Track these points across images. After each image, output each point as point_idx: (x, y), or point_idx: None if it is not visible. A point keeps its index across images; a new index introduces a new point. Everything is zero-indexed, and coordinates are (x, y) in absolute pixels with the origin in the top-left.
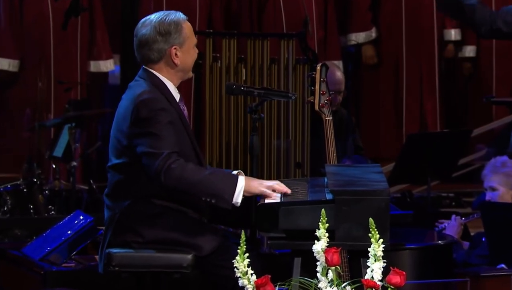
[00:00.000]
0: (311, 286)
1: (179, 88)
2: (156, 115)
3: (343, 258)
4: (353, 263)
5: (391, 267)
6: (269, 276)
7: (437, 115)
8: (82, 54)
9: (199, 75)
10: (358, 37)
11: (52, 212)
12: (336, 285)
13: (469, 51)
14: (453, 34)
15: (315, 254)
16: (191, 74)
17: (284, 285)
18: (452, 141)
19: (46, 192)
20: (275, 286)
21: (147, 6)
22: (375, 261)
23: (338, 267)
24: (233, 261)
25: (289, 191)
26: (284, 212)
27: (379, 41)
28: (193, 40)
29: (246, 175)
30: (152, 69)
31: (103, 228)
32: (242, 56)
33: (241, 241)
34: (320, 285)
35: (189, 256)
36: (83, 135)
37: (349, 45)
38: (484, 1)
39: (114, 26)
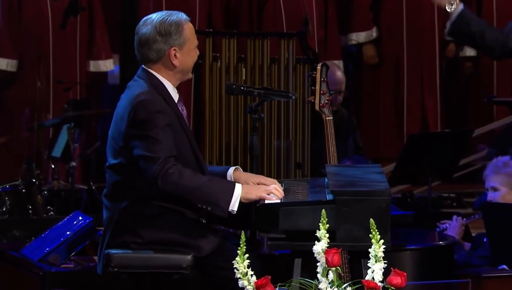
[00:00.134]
0: (312, 287)
1: (178, 88)
2: (153, 118)
3: (343, 259)
4: (353, 264)
5: (392, 268)
6: (269, 277)
7: (438, 115)
8: (81, 54)
9: (199, 75)
10: (358, 37)
11: (51, 212)
12: (337, 286)
13: (470, 50)
14: None
15: (315, 255)
16: (190, 76)
17: (284, 286)
18: (453, 142)
19: (45, 192)
20: (275, 287)
21: (146, 5)
22: (375, 261)
23: (339, 268)
24: (233, 261)
25: (282, 194)
26: (284, 212)
27: (379, 40)
28: (194, 42)
29: None
30: (150, 69)
31: (102, 228)
32: (242, 55)
33: (241, 242)
34: (320, 286)
35: (189, 257)
36: (82, 135)
37: (350, 45)
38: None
39: (114, 26)
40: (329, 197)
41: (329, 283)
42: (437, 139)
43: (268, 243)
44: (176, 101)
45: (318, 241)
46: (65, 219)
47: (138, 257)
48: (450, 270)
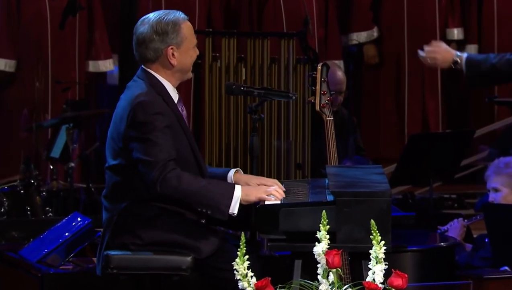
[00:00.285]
0: (312, 289)
1: (178, 88)
2: (152, 120)
3: (344, 260)
4: (354, 265)
5: (392, 269)
6: (269, 278)
7: (440, 116)
8: (80, 54)
9: (198, 75)
10: (359, 37)
11: (50, 213)
12: (337, 288)
13: (470, 50)
14: (456, 33)
15: (316, 256)
16: (190, 75)
17: (284, 287)
18: (454, 142)
19: (44, 193)
20: (276, 288)
21: (145, 5)
22: (376, 263)
23: (339, 269)
24: (232, 263)
25: (283, 196)
26: (285, 213)
27: (380, 40)
28: (192, 41)
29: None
30: (149, 69)
31: (101, 230)
32: (242, 55)
33: (241, 243)
34: (321, 287)
35: (188, 258)
36: (81, 136)
37: (351, 45)
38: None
39: (113, 26)
40: (329, 198)
41: (330, 285)
42: (438, 140)
43: (268, 244)
44: (176, 102)
45: (319, 242)
46: (64, 220)
47: (137, 258)
48: (451, 272)
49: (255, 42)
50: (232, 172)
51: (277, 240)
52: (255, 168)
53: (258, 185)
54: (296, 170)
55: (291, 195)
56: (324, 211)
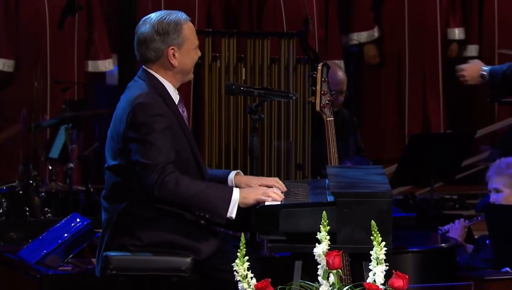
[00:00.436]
0: None
1: (178, 89)
2: (152, 122)
3: (344, 261)
4: (355, 267)
5: (393, 271)
6: (269, 279)
7: (441, 116)
8: (79, 54)
9: (198, 75)
10: (360, 37)
11: (49, 214)
12: (338, 289)
13: (471, 50)
14: (457, 33)
15: (316, 257)
16: (191, 77)
17: (284, 288)
18: (455, 143)
19: (42, 194)
20: (275, 289)
21: (145, 5)
22: (377, 264)
23: (340, 270)
24: (232, 264)
25: (282, 197)
26: (285, 214)
27: (381, 40)
28: (194, 42)
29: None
30: (150, 69)
31: (100, 230)
32: (242, 55)
33: (240, 244)
34: (321, 289)
35: (188, 259)
36: (80, 136)
37: (351, 45)
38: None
39: (113, 26)
40: (330, 198)
41: (330, 286)
42: (439, 140)
43: (268, 245)
44: (176, 103)
45: (319, 243)
46: (63, 221)
47: (137, 259)
48: (452, 273)
49: (255, 42)
50: (232, 174)
51: (277, 241)
52: (255, 168)
53: (259, 185)
54: (296, 171)
55: (291, 195)
56: (324, 211)
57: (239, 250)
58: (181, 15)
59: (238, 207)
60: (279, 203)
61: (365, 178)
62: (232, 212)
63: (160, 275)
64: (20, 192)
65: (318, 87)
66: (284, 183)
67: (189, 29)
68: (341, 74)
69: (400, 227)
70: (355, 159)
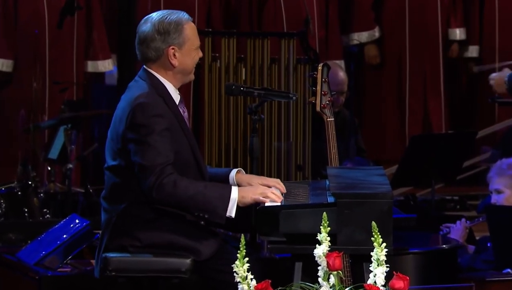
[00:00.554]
0: None
1: (178, 89)
2: (151, 122)
3: (345, 262)
4: (355, 268)
5: (394, 272)
6: (270, 281)
7: (442, 117)
8: (78, 54)
9: (198, 76)
10: (360, 37)
11: (47, 215)
12: None
13: (473, 51)
14: (458, 33)
15: (316, 259)
16: (192, 77)
17: None
18: (456, 143)
19: (41, 195)
20: None
21: (144, 5)
22: (378, 265)
23: (340, 271)
24: (232, 265)
25: (281, 198)
26: (285, 215)
27: (382, 40)
28: (195, 42)
29: None
30: (151, 69)
31: (100, 232)
32: (242, 55)
33: (240, 245)
34: None
35: (188, 261)
36: (79, 137)
37: (351, 45)
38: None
39: (112, 26)
40: (330, 199)
41: (331, 287)
42: (440, 141)
43: (268, 246)
44: (177, 103)
45: (319, 244)
46: (62, 222)
47: (136, 260)
48: (453, 274)
49: (255, 42)
50: (233, 172)
51: (277, 242)
52: (255, 169)
53: (260, 185)
54: (296, 171)
55: (291, 196)
56: (324, 212)
57: (239, 251)
58: (183, 15)
59: (238, 208)
60: (279, 203)
61: (365, 179)
62: (232, 211)
63: (159, 277)
64: (19, 192)
65: (319, 87)
66: (284, 184)
67: (190, 29)
68: (342, 74)
69: (401, 228)
70: (356, 159)
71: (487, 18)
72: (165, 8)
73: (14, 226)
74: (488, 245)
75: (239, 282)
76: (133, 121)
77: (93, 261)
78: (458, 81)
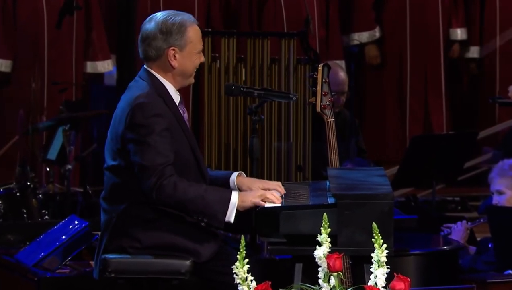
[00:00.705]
0: None
1: (178, 90)
2: (151, 123)
3: (345, 264)
4: (356, 269)
5: (395, 273)
6: (270, 282)
7: (443, 117)
8: (77, 54)
9: (197, 76)
10: (361, 37)
11: (46, 216)
12: None
13: (474, 51)
14: (459, 33)
15: (316, 260)
16: (191, 81)
17: None
18: (457, 144)
19: (40, 196)
20: None
21: (144, 5)
22: (378, 267)
23: (341, 273)
24: (232, 266)
25: (280, 200)
26: (285, 216)
27: (382, 40)
28: (197, 46)
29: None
30: (151, 68)
31: (99, 233)
32: (242, 56)
33: (240, 246)
34: None
35: (188, 262)
36: (78, 137)
37: (352, 45)
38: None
39: (111, 26)
40: (330, 200)
41: (331, 289)
42: (441, 142)
43: (268, 247)
44: (177, 104)
45: (320, 245)
46: (61, 223)
47: (135, 262)
48: (454, 276)
49: (255, 42)
50: (234, 175)
51: (278, 243)
52: (255, 170)
53: (261, 189)
54: (296, 172)
55: (292, 197)
56: (325, 213)
57: (239, 253)
58: (188, 17)
59: (237, 211)
60: (279, 205)
61: (366, 180)
62: (231, 217)
63: (159, 278)
64: (18, 193)
65: (319, 88)
66: (284, 185)
67: (193, 32)
68: (342, 74)
69: (401, 229)
70: (356, 160)
71: (488, 17)
72: (164, 8)
73: (13, 227)
74: (490, 244)
75: (239, 283)
76: (132, 121)
77: (92, 262)
78: (459, 81)
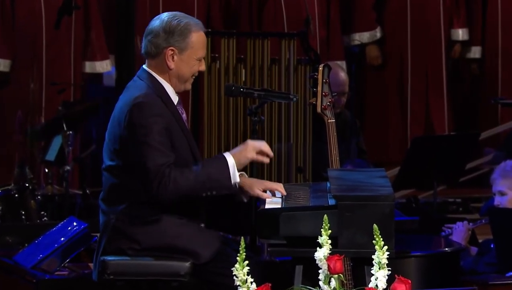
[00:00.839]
0: None
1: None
2: (150, 122)
3: (346, 265)
4: (356, 271)
5: (396, 275)
6: (270, 284)
7: (445, 118)
8: (76, 55)
9: (197, 77)
10: (362, 37)
11: (45, 218)
12: None
13: (475, 52)
14: (461, 34)
15: (317, 262)
16: (188, 87)
17: None
18: (459, 145)
19: (39, 197)
20: None
21: (143, 5)
22: (379, 269)
23: (341, 275)
24: (232, 268)
25: (271, 153)
26: (285, 218)
27: (383, 41)
28: (198, 53)
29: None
30: (150, 67)
31: (98, 234)
32: (242, 56)
33: (240, 248)
34: None
35: (187, 264)
36: (77, 138)
37: (353, 45)
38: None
39: (110, 26)
40: (331, 202)
41: None
42: (443, 143)
43: (269, 249)
44: (175, 104)
45: (320, 247)
46: (59, 225)
47: (135, 263)
48: (455, 277)
49: (255, 42)
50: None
51: (278, 245)
52: (255, 171)
53: (262, 189)
54: (297, 173)
55: (292, 198)
56: (325, 215)
57: (239, 254)
58: (195, 23)
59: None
60: (280, 206)
61: (367, 181)
62: (235, 177)
63: (158, 280)
64: (16, 195)
65: (319, 88)
66: (284, 186)
67: (197, 38)
68: (343, 75)
69: (402, 231)
70: (356, 161)
71: (489, 18)
72: (164, 8)
73: (11, 228)
74: (491, 246)
75: (239, 285)
76: (131, 121)
77: (91, 264)
78: (461, 82)
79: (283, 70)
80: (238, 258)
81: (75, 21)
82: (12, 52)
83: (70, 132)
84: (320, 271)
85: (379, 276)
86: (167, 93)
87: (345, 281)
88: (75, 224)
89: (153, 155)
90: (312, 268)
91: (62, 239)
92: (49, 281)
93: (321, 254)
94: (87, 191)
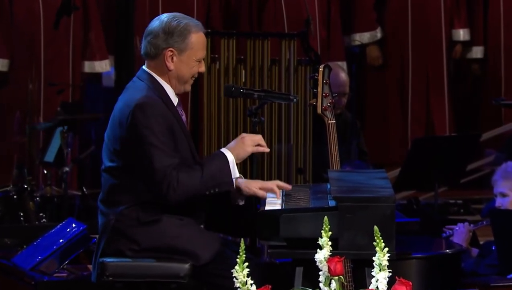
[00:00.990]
0: None
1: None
2: (152, 123)
3: (346, 267)
4: (357, 273)
5: (396, 277)
6: (270, 286)
7: (446, 119)
8: (75, 55)
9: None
10: (362, 38)
11: (43, 219)
12: None
13: (477, 52)
14: (462, 34)
15: (317, 264)
16: (187, 88)
17: None
18: (460, 146)
19: (37, 198)
20: None
21: (142, 5)
22: (380, 270)
23: (342, 277)
24: (232, 270)
25: (265, 145)
26: (285, 219)
27: (384, 41)
28: (198, 54)
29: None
30: (149, 68)
31: (96, 236)
32: (242, 56)
33: (240, 250)
34: None
35: (186, 265)
36: (75, 139)
37: (353, 46)
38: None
39: (109, 26)
40: (331, 203)
41: None
42: (444, 144)
43: (269, 251)
44: (175, 105)
45: (320, 249)
46: (58, 226)
47: (134, 265)
48: (457, 279)
49: (255, 43)
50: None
51: (278, 247)
52: (255, 172)
53: (260, 188)
54: (297, 175)
55: (292, 200)
56: (326, 216)
57: (238, 256)
58: (195, 24)
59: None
60: (280, 207)
61: (367, 182)
62: (235, 173)
63: (157, 282)
64: (14, 196)
65: (320, 89)
66: None
67: (197, 39)
68: (343, 75)
69: (403, 232)
70: (355, 163)
71: (491, 18)
72: (163, 8)
73: (10, 230)
74: (493, 248)
75: (239, 287)
76: (133, 122)
77: (90, 266)
78: (462, 82)
79: (283, 71)
80: (238, 259)
81: (74, 22)
82: (10, 51)
83: (69, 133)
84: (320, 273)
85: (380, 278)
86: (167, 94)
87: (345, 283)
88: (74, 225)
89: (159, 156)
90: (312, 270)
91: (61, 240)
92: (47, 283)
93: (322, 255)
94: (86, 192)
